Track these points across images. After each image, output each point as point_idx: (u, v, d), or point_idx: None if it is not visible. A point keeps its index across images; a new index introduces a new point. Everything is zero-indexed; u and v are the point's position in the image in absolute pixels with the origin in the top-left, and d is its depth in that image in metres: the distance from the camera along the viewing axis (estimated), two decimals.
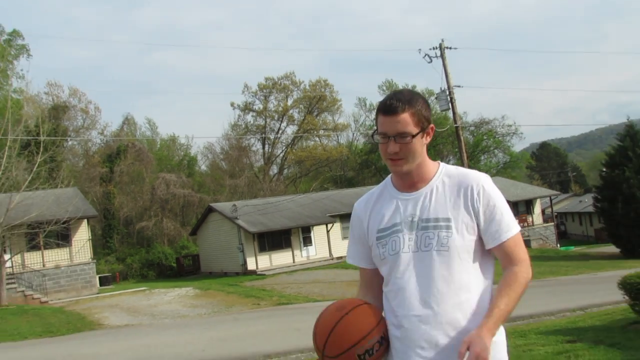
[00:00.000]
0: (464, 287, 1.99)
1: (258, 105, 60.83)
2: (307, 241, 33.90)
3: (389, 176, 2.20)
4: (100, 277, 31.10)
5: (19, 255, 27.16)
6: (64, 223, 26.83)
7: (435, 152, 62.58)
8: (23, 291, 25.34)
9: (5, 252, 25.03)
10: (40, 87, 52.60)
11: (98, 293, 27.87)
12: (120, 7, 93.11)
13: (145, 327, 17.48)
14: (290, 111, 61.09)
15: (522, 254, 2.05)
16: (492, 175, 45.02)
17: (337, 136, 65.46)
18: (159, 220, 46.10)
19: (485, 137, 62.46)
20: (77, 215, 28.08)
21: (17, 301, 24.42)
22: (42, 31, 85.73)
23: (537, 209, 44.70)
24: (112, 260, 41.61)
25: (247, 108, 60.81)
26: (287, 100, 60.93)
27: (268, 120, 61.16)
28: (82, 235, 29.37)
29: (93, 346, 14.37)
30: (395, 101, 1.99)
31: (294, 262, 32.65)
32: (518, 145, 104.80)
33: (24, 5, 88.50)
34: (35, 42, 75.57)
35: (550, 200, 47.97)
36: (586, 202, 49.77)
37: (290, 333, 13.05)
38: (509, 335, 8.37)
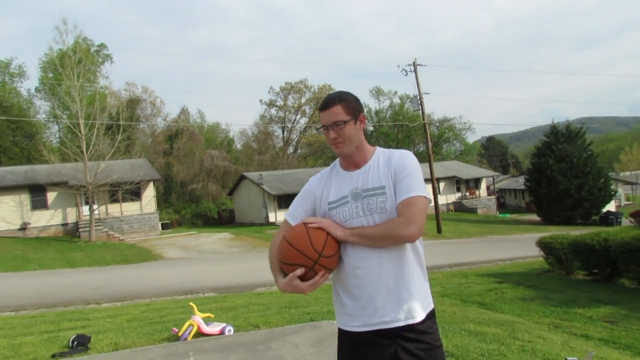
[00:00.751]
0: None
1: (279, 102, 60.37)
2: None
3: (337, 159, 2.05)
4: (162, 223, 31.26)
5: (104, 206, 27.36)
6: (136, 184, 26.93)
7: (409, 142, 62.45)
8: (107, 232, 25.53)
9: (94, 203, 25.27)
10: (120, 86, 52.57)
11: (160, 235, 28.01)
12: (179, 28, 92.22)
13: (193, 260, 17.67)
14: (303, 107, 60.88)
15: (412, 214, 1.75)
16: (450, 159, 45.08)
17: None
18: (205, 183, 46.19)
19: (446, 131, 62.35)
20: (145, 178, 28.15)
21: (102, 239, 24.63)
22: (123, 44, 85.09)
23: (483, 185, 44.57)
24: (170, 211, 41.84)
25: (271, 104, 60.52)
26: (301, 99, 60.50)
27: (287, 113, 60.80)
28: (149, 193, 29.47)
29: (157, 271, 14.65)
30: (328, 99, 1.91)
31: None
32: (471, 138, 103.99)
33: (110, 24, 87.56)
34: (118, 52, 75.01)
35: (493, 180, 47.88)
36: (520, 182, 49.62)
37: None
38: (455, 275, 8.63)
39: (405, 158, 1.89)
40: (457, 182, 42.67)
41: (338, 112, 1.87)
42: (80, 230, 25.06)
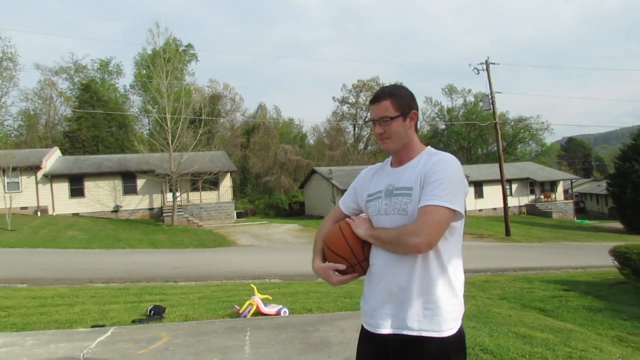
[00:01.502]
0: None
1: (351, 99, 60.46)
2: None
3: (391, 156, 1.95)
4: (237, 212, 32.08)
5: (185, 194, 28.84)
6: (215, 174, 28.29)
7: (482, 141, 60.07)
8: (187, 217, 26.85)
9: (177, 190, 26.89)
10: (204, 82, 55.33)
11: (235, 223, 28.76)
12: (260, 27, 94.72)
13: (264, 247, 18.27)
14: None
15: (424, 223, 1.62)
16: (525, 160, 42.57)
17: None
18: (278, 176, 47.38)
19: (522, 131, 59.16)
20: (223, 170, 29.37)
21: (183, 224, 25.95)
22: (208, 42, 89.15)
23: (560, 188, 41.89)
24: (245, 201, 43.24)
25: (343, 101, 60.71)
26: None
27: (358, 110, 60.81)
28: (226, 183, 30.58)
29: (229, 256, 15.34)
30: (379, 92, 1.84)
31: None
32: (550, 139, 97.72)
33: (197, 24, 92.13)
34: (202, 51, 78.98)
35: (571, 183, 44.79)
36: (603, 186, 46.11)
37: None
38: (519, 279, 8.33)
39: (440, 163, 1.72)
40: (530, 184, 40.47)
41: (387, 107, 1.79)
42: (164, 214, 26.87)
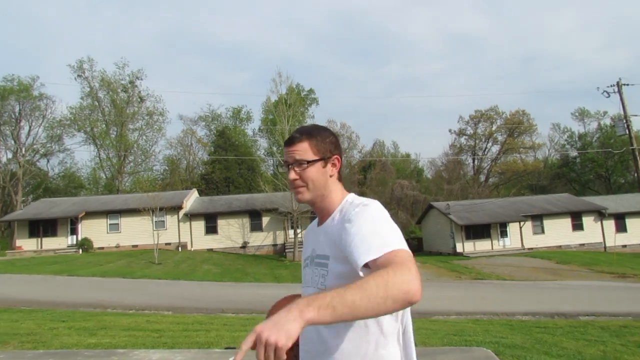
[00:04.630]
0: (336, 331, 1.35)
1: (469, 131, 58.83)
2: (504, 234, 31.92)
3: None
4: None
5: (305, 230, 30.41)
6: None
7: (623, 168, 53.47)
8: None
9: (298, 227, 28.28)
10: (322, 123, 58.50)
11: None
12: (373, 66, 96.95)
13: None
14: (495, 135, 58.01)
15: (404, 260, 1.20)
16: None
17: (535, 152, 60.17)
18: (395, 212, 47.24)
19: None
20: None
21: None
22: (326, 84, 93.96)
23: None
24: None
25: (460, 133, 59.22)
26: (491, 127, 57.84)
27: (477, 141, 58.75)
28: None
29: None
30: (295, 133, 1.53)
31: (492, 249, 31.06)
32: None
33: (316, 68, 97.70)
34: (322, 94, 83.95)
35: None
36: None
37: (477, 300, 12.93)
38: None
39: (358, 213, 1.36)
40: None
41: (304, 149, 1.49)
42: (287, 250, 28.52)
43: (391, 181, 50.12)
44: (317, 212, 1.57)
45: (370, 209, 1.38)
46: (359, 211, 1.37)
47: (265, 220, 31.07)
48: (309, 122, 51.43)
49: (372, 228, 1.29)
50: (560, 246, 31.48)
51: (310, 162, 1.49)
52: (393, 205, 47.90)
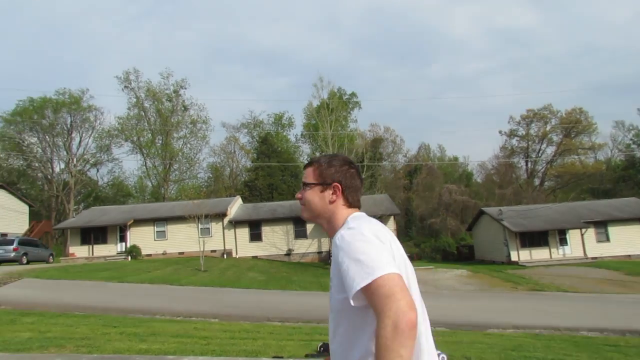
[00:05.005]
0: (349, 347, 1.46)
1: (521, 132, 56.96)
2: (563, 241, 30.50)
3: None
4: None
5: None
6: (378, 218, 29.15)
7: None
8: None
9: None
10: (365, 127, 58.28)
11: None
12: (417, 67, 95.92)
13: (429, 294, 17.96)
14: (549, 135, 55.80)
15: (379, 301, 1.32)
16: None
17: (595, 153, 57.25)
18: (444, 218, 46.44)
19: None
20: (387, 213, 30.22)
21: None
22: (368, 87, 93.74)
23: None
24: (410, 245, 43.15)
25: (512, 134, 57.46)
26: (545, 127, 55.70)
27: (530, 142, 56.75)
28: (390, 227, 31.14)
29: None
30: (311, 158, 1.82)
31: (550, 257, 29.76)
32: None
33: (358, 71, 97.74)
34: (364, 97, 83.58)
35: None
36: None
37: (537, 313, 12.43)
38: None
39: (338, 245, 1.50)
40: None
41: (308, 173, 1.73)
42: (331, 258, 28.50)
43: (438, 186, 49.32)
44: (327, 232, 1.74)
45: (345, 238, 1.48)
46: (337, 243, 1.50)
47: (309, 227, 31.26)
48: (351, 126, 51.38)
49: (347, 261, 1.42)
50: (629, 255, 29.69)
51: (307, 185, 1.70)
52: (441, 211, 47.06)
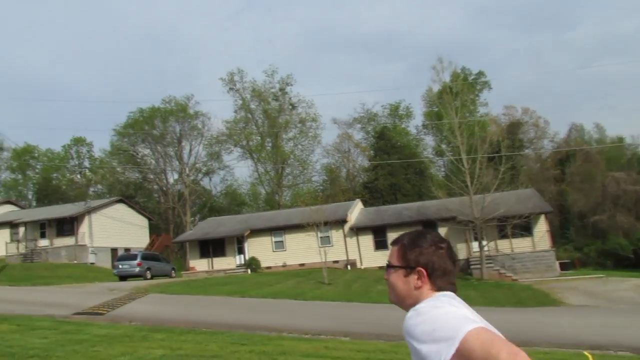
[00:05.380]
0: None
1: None
2: None
3: None
4: (560, 263, 30.24)
5: (493, 242, 28.92)
6: (525, 217, 27.52)
7: None
8: (498, 270, 26.90)
9: (483, 238, 27.24)
10: (499, 111, 55.23)
11: (558, 276, 27.30)
12: (556, 32, 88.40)
13: (600, 309, 16.91)
14: None
15: (488, 350, 1.35)
16: None
17: None
18: (611, 214, 42.46)
19: None
20: (535, 211, 28.32)
21: (494, 277, 26.11)
22: (496, 63, 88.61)
23: None
24: (569, 248, 40.37)
25: None
26: None
27: None
28: (542, 227, 29.35)
29: (557, 318, 14.74)
30: (394, 239, 1.81)
31: None
32: None
33: (480, 46, 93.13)
34: (494, 75, 78.87)
35: None
36: None
37: None
38: None
39: (405, 331, 1.53)
40: None
41: (393, 253, 1.76)
42: (471, 267, 27.54)
43: (600, 175, 45.30)
44: None
45: (410, 320, 1.52)
46: (404, 329, 1.52)
47: (441, 231, 30.45)
48: (481, 111, 49.13)
49: (419, 345, 1.45)
50: None
51: (391, 267, 1.73)
52: (608, 206, 43.09)
